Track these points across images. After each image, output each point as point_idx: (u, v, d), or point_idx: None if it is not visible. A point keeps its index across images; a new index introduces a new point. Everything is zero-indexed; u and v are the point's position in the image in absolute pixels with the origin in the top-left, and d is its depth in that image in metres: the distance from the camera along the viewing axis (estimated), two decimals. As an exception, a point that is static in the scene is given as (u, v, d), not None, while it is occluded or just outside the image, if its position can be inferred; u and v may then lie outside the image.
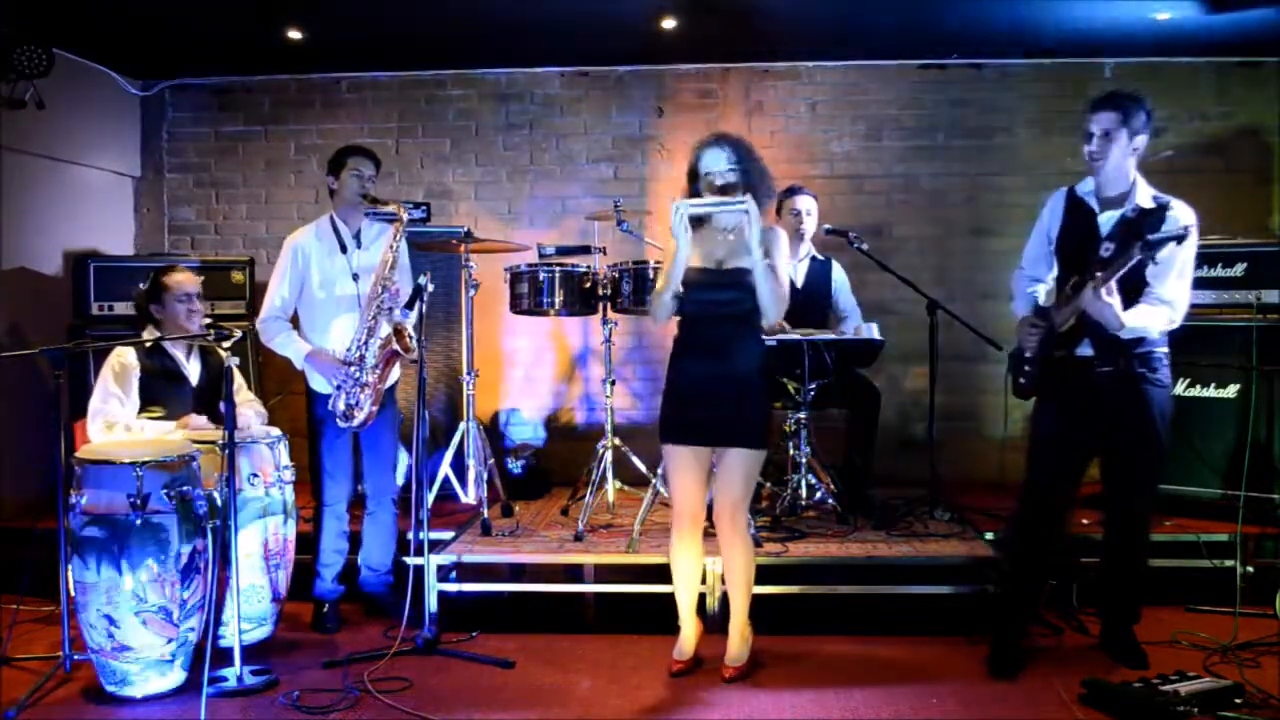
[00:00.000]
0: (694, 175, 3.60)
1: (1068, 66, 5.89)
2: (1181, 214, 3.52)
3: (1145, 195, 3.56)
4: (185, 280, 4.15)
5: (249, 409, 4.22)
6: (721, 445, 3.55)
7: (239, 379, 4.27)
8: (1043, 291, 3.83)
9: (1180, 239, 3.25)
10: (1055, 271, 3.80)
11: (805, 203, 5.10)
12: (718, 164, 3.52)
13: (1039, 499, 3.72)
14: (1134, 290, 3.47)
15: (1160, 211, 3.53)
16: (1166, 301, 3.49)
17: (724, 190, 3.49)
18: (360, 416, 4.11)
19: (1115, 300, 3.38)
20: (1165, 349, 3.62)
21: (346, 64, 6.11)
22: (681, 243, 3.44)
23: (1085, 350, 3.58)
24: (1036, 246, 3.84)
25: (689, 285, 3.52)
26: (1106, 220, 3.58)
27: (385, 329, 4.09)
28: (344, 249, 4.26)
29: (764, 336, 4.51)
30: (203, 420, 4.07)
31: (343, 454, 4.24)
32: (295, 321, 4.31)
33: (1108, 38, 5.49)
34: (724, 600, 4.04)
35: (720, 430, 3.53)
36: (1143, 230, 3.43)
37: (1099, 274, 3.36)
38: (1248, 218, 5.64)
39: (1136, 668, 3.59)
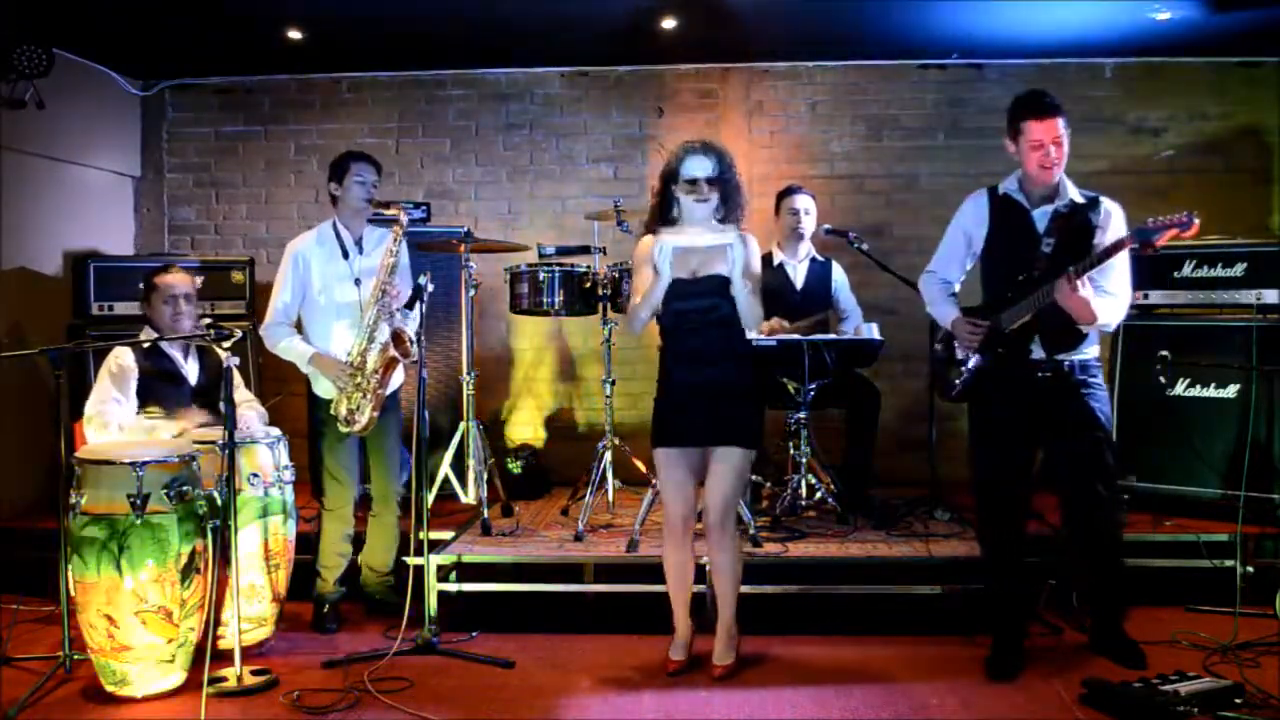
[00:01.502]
0: (673, 178, 3.59)
1: (1068, 67, 5.89)
2: (1111, 208, 3.57)
3: (1073, 190, 3.59)
4: (174, 281, 4.14)
5: (249, 409, 4.22)
6: (711, 444, 3.56)
7: (238, 379, 4.28)
8: (957, 286, 3.87)
9: (1184, 226, 3.24)
10: (964, 275, 3.84)
11: (804, 201, 5.10)
12: (703, 170, 3.53)
13: (994, 499, 3.74)
14: None
15: (1094, 205, 3.57)
16: (1113, 294, 3.52)
17: (703, 197, 3.53)
18: (362, 421, 4.12)
19: (1090, 292, 3.39)
20: (1098, 353, 3.67)
21: (346, 64, 6.11)
22: (664, 274, 3.49)
23: (1037, 351, 3.60)
24: (952, 249, 3.83)
25: (670, 296, 3.55)
26: (1038, 216, 3.59)
27: (385, 334, 4.10)
28: (345, 254, 4.27)
29: (764, 337, 4.56)
30: (203, 415, 4.07)
31: (347, 458, 4.25)
32: (300, 326, 4.32)
33: (1108, 38, 5.48)
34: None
35: (709, 430, 3.55)
36: (1078, 225, 3.48)
37: (1072, 268, 3.37)
38: (1248, 218, 5.64)
39: (1135, 667, 3.59)
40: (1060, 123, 3.51)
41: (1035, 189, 3.62)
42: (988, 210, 3.71)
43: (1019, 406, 3.64)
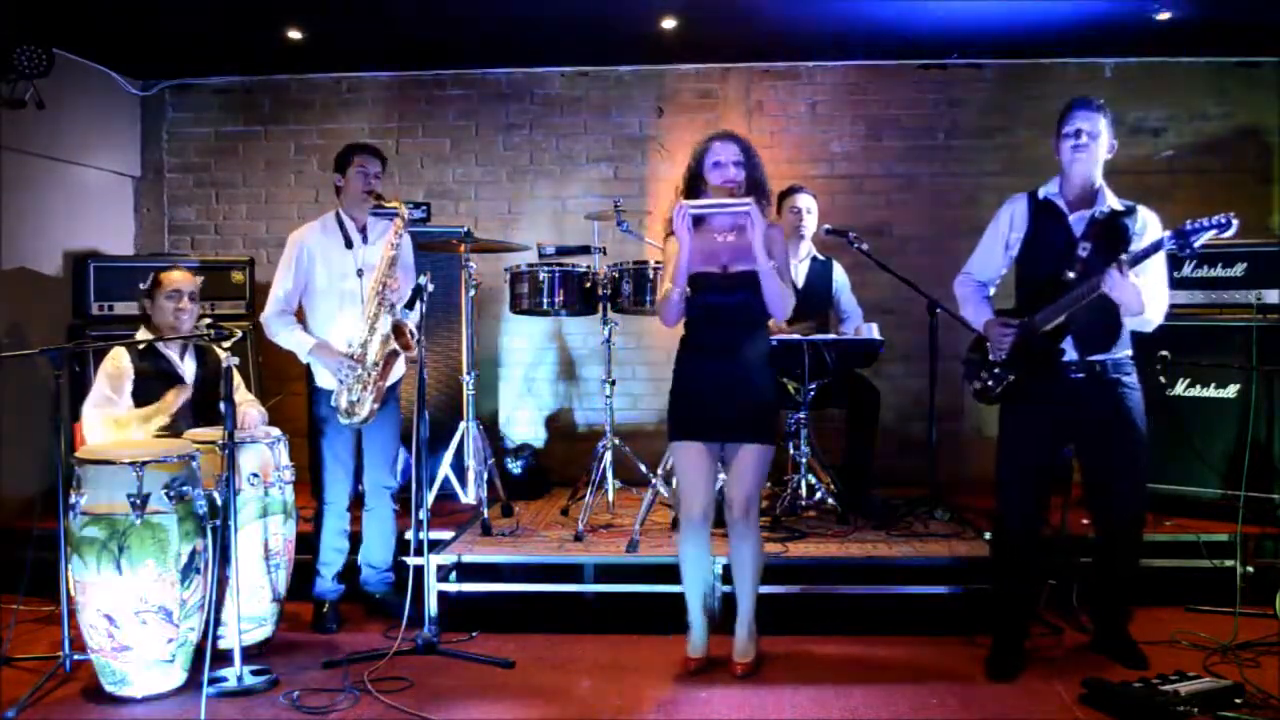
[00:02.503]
0: (697, 174, 3.61)
1: (1068, 66, 5.90)
2: (1148, 216, 3.59)
3: (1112, 197, 3.61)
4: (178, 279, 4.15)
5: (251, 408, 4.23)
6: (734, 441, 3.56)
7: (237, 379, 4.29)
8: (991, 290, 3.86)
9: (1223, 227, 3.27)
10: (1000, 278, 3.84)
11: (805, 201, 5.10)
12: (729, 156, 3.55)
13: (1016, 500, 3.73)
14: None
15: (1131, 212, 3.59)
16: (1153, 297, 3.52)
17: (729, 187, 3.52)
18: (363, 413, 4.12)
19: (1138, 281, 3.41)
20: (1131, 353, 3.66)
21: (346, 64, 6.12)
22: (684, 243, 3.47)
23: (1070, 353, 3.59)
24: (989, 252, 3.83)
25: (696, 290, 3.55)
26: (1076, 222, 3.60)
27: (386, 326, 4.10)
28: (349, 244, 4.28)
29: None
30: (185, 394, 4.09)
31: (344, 451, 4.26)
32: (301, 317, 4.32)
33: (1107, 38, 5.49)
34: (726, 598, 4.03)
35: (732, 427, 3.54)
36: (1115, 230, 3.51)
37: (1122, 256, 3.39)
38: (1248, 218, 5.57)
39: (1135, 667, 3.59)
40: (1094, 116, 3.56)
41: (1071, 193, 3.63)
42: (1027, 214, 3.72)
43: (1051, 408, 3.63)
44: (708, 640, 3.74)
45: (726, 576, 3.90)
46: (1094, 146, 3.56)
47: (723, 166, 3.55)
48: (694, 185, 3.63)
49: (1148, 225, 3.58)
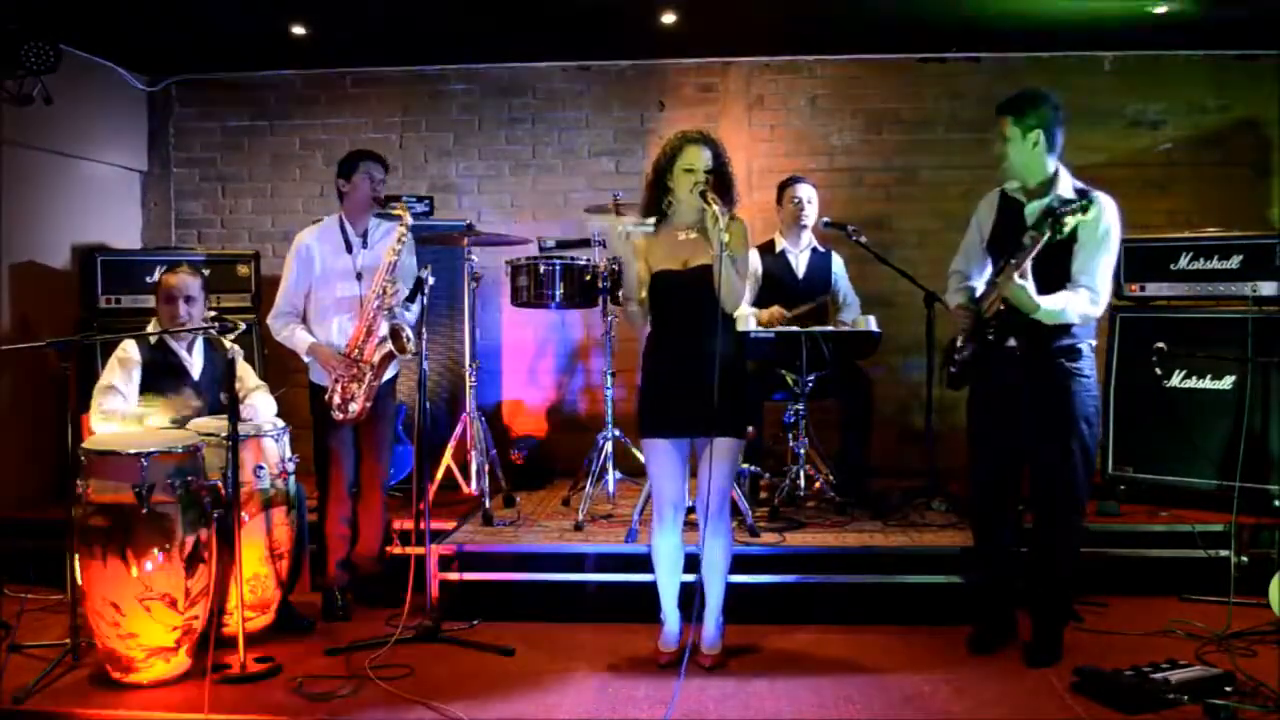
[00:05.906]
0: (668, 169, 3.59)
1: (1066, 59, 5.90)
2: (1104, 203, 3.54)
3: (1067, 186, 3.60)
4: (173, 283, 4.13)
5: (263, 395, 4.29)
6: (705, 436, 3.55)
7: (249, 367, 4.36)
8: (981, 286, 3.85)
9: (1084, 209, 3.33)
10: (982, 271, 3.86)
11: (805, 191, 5.12)
12: (702, 162, 3.54)
13: (981, 486, 3.77)
14: (1061, 278, 3.50)
15: (1076, 200, 3.50)
16: (1086, 287, 3.51)
17: (703, 194, 3.50)
18: (353, 410, 4.20)
19: (1028, 283, 3.43)
20: (1091, 342, 3.61)
21: (350, 59, 6.16)
22: (626, 256, 3.63)
23: (1014, 340, 3.59)
24: (968, 245, 3.89)
25: (660, 287, 3.59)
26: (1032, 210, 3.62)
27: (383, 329, 4.16)
28: (349, 248, 4.35)
29: (761, 329, 4.60)
30: (198, 401, 4.12)
31: (344, 442, 4.32)
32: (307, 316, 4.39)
33: (1106, 30, 5.49)
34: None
35: (702, 423, 3.51)
36: (1057, 220, 3.46)
37: (1013, 259, 3.42)
38: (1246, 210, 5.66)
39: (1032, 664, 3.63)
40: (1006, 120, 3.61)
41: (1025, 184, 3.67)
42: (996, 207, 3.77)
43: (1003, 393, 3.65)
44: (680, 633, 3.76)
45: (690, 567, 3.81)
46: (1008, 149, 3.60)
47: (693, 173, 3.53)
48: (661, 183, 3.61)
49: (1083, 217, 3.47)
